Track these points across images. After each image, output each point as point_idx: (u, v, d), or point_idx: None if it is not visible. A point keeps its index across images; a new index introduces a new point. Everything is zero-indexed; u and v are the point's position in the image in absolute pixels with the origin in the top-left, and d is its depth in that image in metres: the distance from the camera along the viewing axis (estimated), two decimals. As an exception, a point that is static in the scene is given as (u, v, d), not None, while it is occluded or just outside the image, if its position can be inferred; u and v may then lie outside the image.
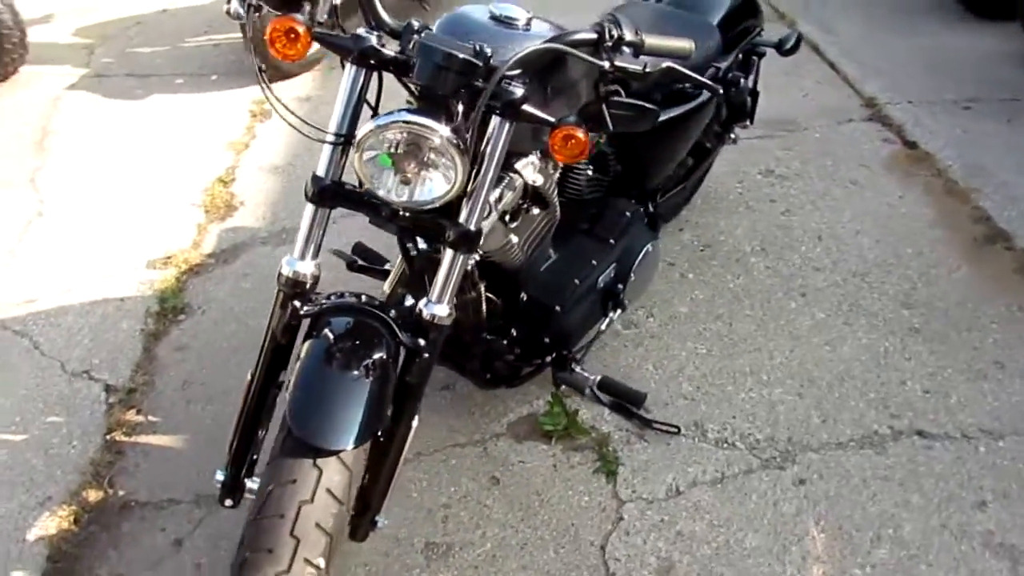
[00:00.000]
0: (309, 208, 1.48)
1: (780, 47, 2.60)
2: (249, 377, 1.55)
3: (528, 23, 1.58)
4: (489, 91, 1.29)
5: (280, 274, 1.48)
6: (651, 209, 2.39)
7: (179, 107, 4.10)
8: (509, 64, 1.31)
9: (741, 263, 2.79)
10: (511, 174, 1.66)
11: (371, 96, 1.48)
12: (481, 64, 1.33)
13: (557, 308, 1.98)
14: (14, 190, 3.42)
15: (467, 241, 1.47)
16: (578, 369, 2.08)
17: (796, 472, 2.06)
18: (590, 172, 2.03)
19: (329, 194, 1.47)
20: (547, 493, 2.05)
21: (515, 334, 2.00)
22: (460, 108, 1.38)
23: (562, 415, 2.21)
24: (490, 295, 1.82)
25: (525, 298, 1.97)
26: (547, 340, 2.03)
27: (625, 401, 2.09)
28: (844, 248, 2.83)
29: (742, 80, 2.46)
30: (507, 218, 1.72)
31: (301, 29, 1.34)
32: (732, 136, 2.73)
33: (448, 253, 1.48)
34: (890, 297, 2.61)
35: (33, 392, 2.38)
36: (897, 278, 2.69)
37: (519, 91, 1.40)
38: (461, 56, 1.33)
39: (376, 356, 1.42)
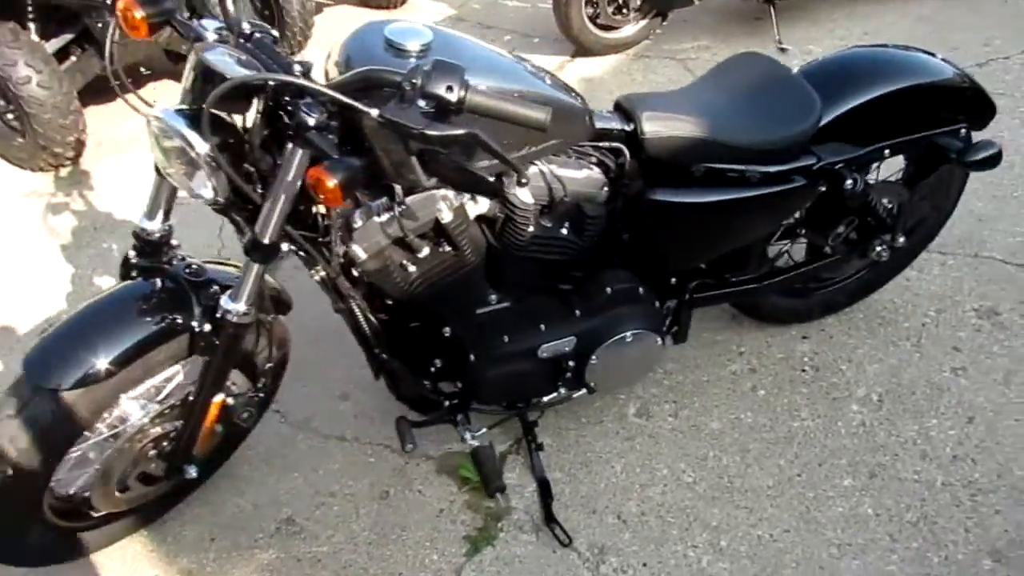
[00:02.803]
0: (155, 176, 1.63)
1: (961, 155, 1.93)
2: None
3: (425, 49, 1.46)
4: (208, 108, 1.29)
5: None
6: (684, 298, 2.01)
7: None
8: (218, 93, 1.27)
9: (835, 405, 2.19)
10: (407, 202, 1.58)
11: None
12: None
13: (471, 356, 1.84)
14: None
15: (257, 250, 1.49)
16: (463, 424, 1.91)
17: (646, 661, 1.66)
18: (563, 231, 1.78)
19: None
20: (410, 533, 1.97)
21: (439, 365, 1.92)
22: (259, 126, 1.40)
23: (488, 469, 2.07)
24: (371, 317, 1.76)
25: (448, 333, 1.86)
26: (459, 384, 1.90)
27: (481, 482, 1.86)
28: (988, 449, 2.04)
29: (850, 181, 1.87)
30: (413, 246, 1.65)
31: (139, 14, 1.45)
32: (877, 249, 2.10)
33: (245, 257, 1.51)
34: (983, 538, 1.84)
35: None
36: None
37: (311, 119, 1.35)
38: (222, 73, 1.33)
39: (146, 321, 1.54)
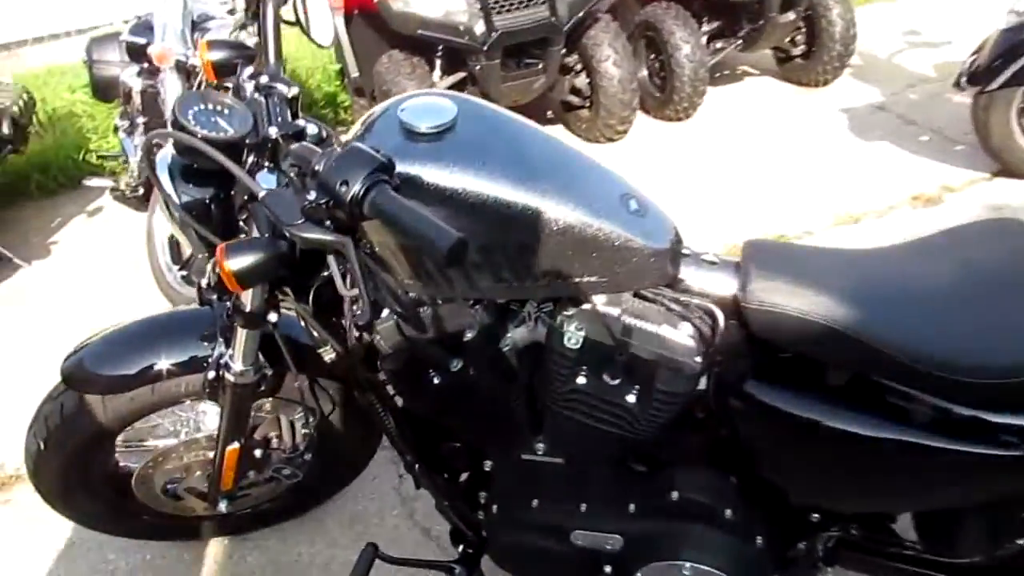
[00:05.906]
0: None
1: None
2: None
3: (440, 130, 1.18)
4: (146, 146, 1.25)
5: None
6: (814, 547, 1.34)
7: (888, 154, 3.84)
8: (150, 138, 1.19)
9: None
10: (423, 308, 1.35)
11: None
12: None
13: (494, 506, 1.50)
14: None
15: (239, 314, 1.41)
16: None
17: None
18: (626, 397, 1.29)
19: None
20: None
21: (483, 500, 1.60)
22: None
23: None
24: (392, 416, 1.52)
25: (488, 468, 1.55)
26: (483, 534, 1.56)
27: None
28: None
29: None
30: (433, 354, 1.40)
31: (206, 57, 1.44)
32: None
33: None
34: None
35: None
36: None
37: (260, 190, 1.21)
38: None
39: (173, 350, 1.57)
